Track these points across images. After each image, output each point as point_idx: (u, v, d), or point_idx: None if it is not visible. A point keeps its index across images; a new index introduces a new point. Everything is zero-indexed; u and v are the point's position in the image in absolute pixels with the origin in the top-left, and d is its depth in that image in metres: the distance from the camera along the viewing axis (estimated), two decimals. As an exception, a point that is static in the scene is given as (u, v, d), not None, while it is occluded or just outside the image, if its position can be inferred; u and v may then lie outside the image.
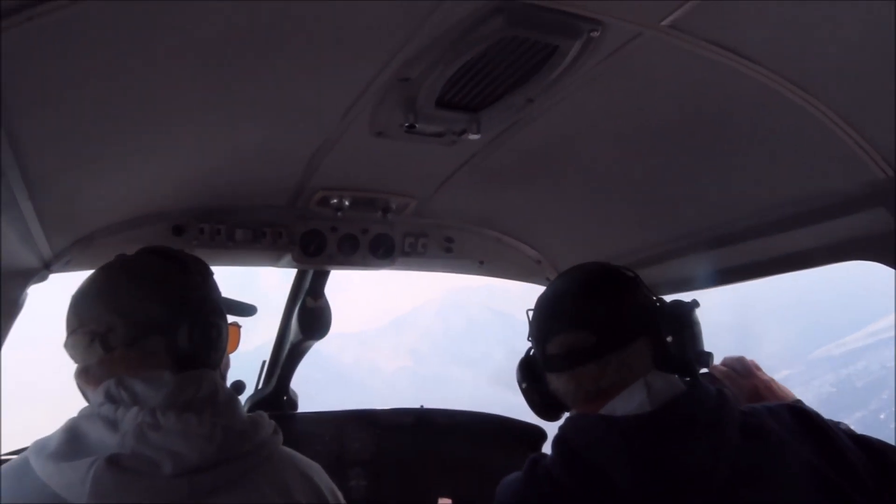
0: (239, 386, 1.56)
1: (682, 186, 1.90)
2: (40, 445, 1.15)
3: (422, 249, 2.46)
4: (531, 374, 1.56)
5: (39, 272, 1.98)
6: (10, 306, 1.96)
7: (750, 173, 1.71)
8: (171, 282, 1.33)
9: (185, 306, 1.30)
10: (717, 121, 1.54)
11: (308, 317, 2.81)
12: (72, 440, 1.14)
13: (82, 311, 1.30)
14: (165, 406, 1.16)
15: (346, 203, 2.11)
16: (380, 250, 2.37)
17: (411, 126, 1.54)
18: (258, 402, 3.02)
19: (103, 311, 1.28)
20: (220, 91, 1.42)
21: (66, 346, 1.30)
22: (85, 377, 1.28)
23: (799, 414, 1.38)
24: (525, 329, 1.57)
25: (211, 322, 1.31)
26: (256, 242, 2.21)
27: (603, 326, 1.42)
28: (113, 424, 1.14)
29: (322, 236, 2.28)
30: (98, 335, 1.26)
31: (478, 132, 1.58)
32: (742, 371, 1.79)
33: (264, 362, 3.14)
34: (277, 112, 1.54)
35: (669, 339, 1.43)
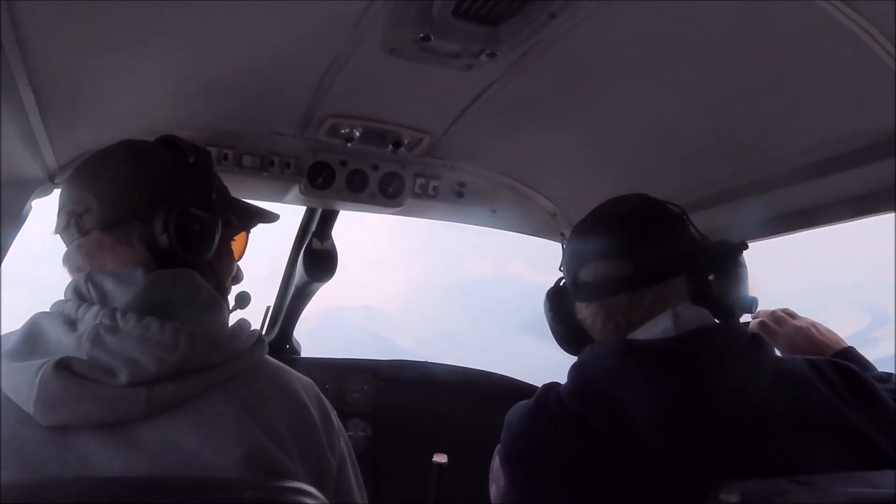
0: (244, 298, 1.45)
1: (722, 126, 1.80)
2: (1, 342, 1.08)
3: (432, 192, 2.39)
4: (559, 304, 1.52)
5: (43, 184, 1.94)
6: (13, 217, 1.93)
7: (796, 109, 1.61)
8: (158, 165, 1.25)
9: (168, 192, 1.20)
10: (761, 48, 1.43)
11: (314, 259, 2.78)
12: (30, 338, 1.07)
13: (66, 191, 1.24)
14: (128, 307, 1.07)
15: (357, 134, 2.04)
16: (389, 189, 2.31)
17: (426, 38, 1.47)
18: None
19: (83, 192, 1.21)
20: None
21: (56, 230, 1.25)
22: (68, 264, 1.21)
23: (841, 369, 1.30)
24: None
25: (192, 214, 1.20)
26: (264, 171, 2.16)
27: (641, 256, 1.37)
28: (72, 324, 1.06)
29: (331, 169, 2.22)
30: (75, 216, 1.19)
31: (496, 49, 1.50)
32: (776, 320, 1.70)
33: (268, 307, 3.12)
34: (286, 22, 1.47)
35: (711, 277, 1.38)
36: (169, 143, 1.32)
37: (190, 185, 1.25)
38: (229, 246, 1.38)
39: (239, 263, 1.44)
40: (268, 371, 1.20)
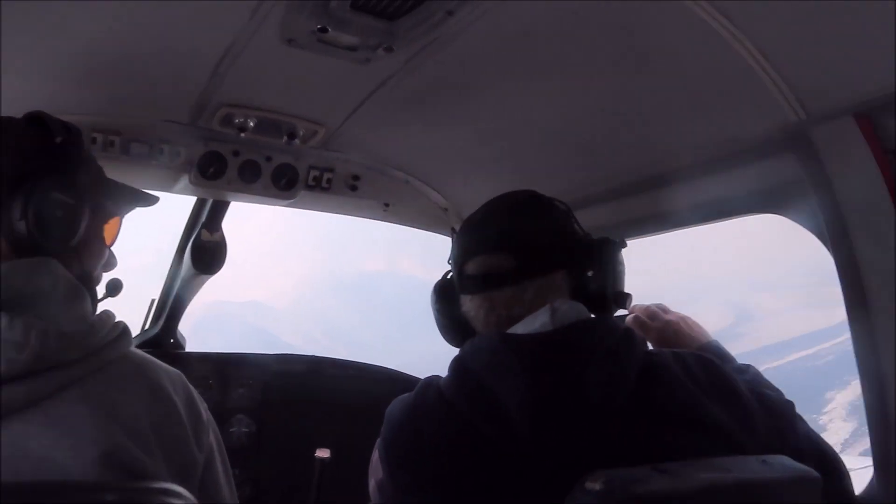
0: (116, 285, 1.36)
1: (609, 126, 1.89)
2: None
3: (326, 185, 2.39)
4: (444, 297, 1.55)
5: None
6: None
7: (669, 112, 1.72)
8: (20, 145, 1.16)
9: (30, 175, 1.12)
10: (645, 53, 1.53)
11: (202, 251, 2.71)
12: None
13: None
14: None
15: (251, 124, 2.02)
16: (282, 181, 2.29)
17: (323, 29, 1.48)
18: (142, 343, 2.90)
19: None
20: None
21: None
22: None
23: (703, 362, 1.39)
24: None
25: (54, 198, 1.12)
26: (152, 159, 2.09)
27: (524, 251, 1.41)
28: None
29: (223, 159, 2.18)
30: None
31: (393, 44, 1.53)
32: (649, 315, 1.81)
33: (153, 300, 3.03)
34: (180, 8, 1.45)
35: (590, 273, 1.44)
36: (35, 121, 1.22)
37: (55, 166, 1.17)
38: (100, 231, 1.29)
39: (113, 249, 1.35)
40: (131, 365, 1.14)
